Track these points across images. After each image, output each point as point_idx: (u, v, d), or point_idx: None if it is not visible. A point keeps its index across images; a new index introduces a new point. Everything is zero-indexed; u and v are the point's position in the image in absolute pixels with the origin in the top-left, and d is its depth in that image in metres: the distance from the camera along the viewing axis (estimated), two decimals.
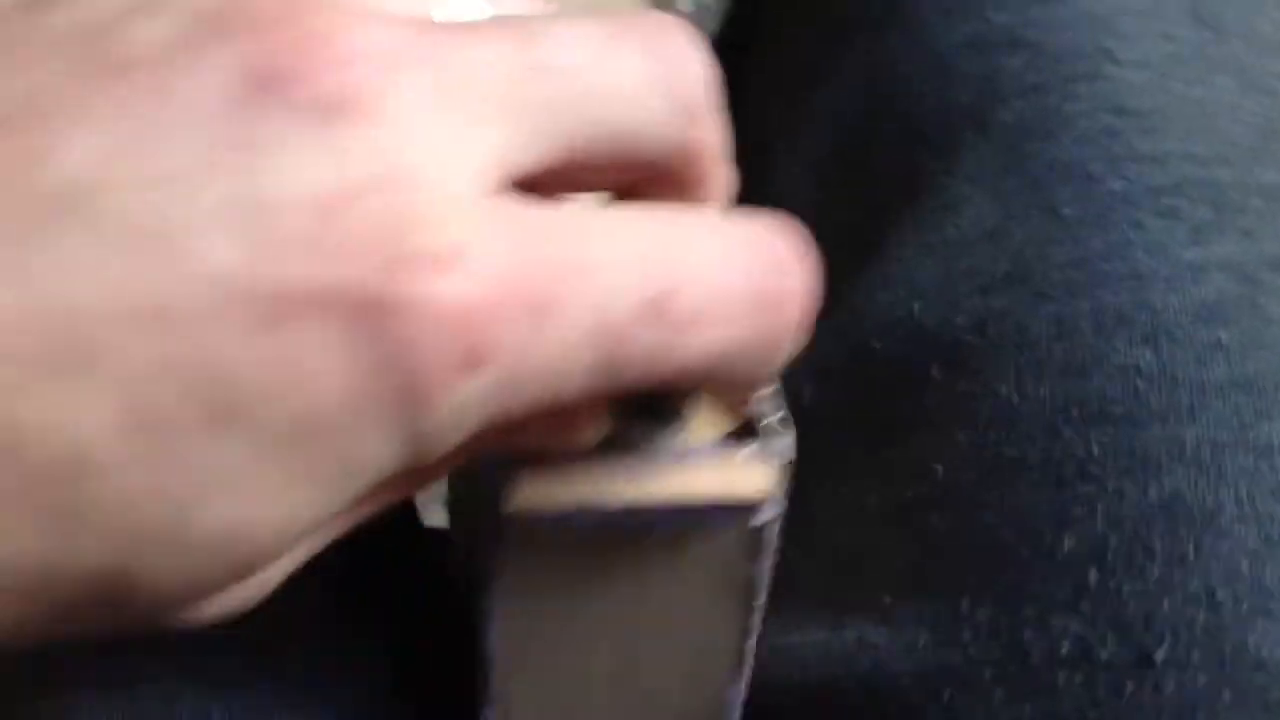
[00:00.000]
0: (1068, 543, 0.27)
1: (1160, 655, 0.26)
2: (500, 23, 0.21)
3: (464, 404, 0.19)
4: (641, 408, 0.25)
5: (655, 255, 0.21)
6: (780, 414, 0.26)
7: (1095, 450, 0.28)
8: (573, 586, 0.28)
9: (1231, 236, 0.29)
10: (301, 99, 0.18)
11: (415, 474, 0.22)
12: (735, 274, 0.21)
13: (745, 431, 0.26)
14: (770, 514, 0.26)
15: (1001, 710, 0.27)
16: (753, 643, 0.29)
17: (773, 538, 0.27)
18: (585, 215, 0.21)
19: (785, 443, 0.26)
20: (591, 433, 0.25)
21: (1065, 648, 0.27)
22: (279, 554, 0.20)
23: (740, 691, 0.30)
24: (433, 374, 0.19)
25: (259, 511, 0.19)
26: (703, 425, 0.26)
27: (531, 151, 0.20)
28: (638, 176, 0.23)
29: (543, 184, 0.21)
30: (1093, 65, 0.32)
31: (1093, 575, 0.27)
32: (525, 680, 0.29)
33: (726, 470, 0.25)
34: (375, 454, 0.19)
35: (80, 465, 0.18)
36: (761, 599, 0.28)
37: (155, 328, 0.18)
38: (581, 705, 0.30)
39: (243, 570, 0.20)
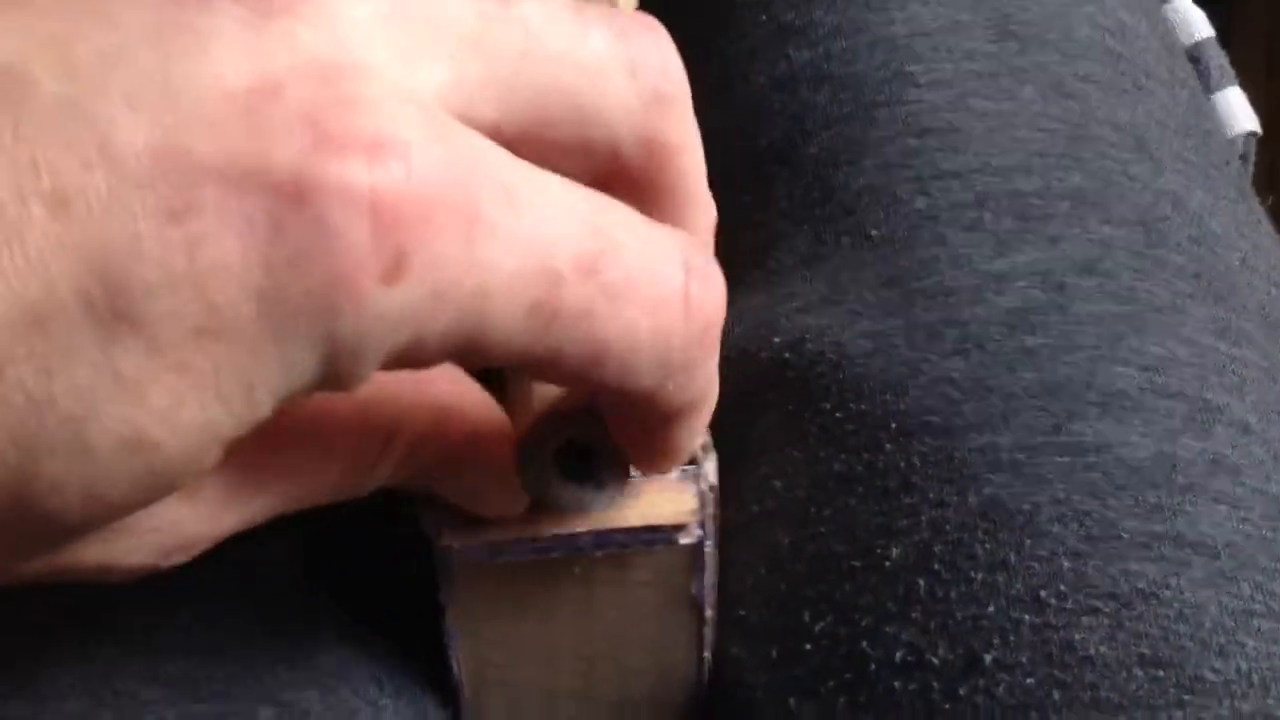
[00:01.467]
0: (895, 553, 0.28)
1: (989, 658, 0.27)
2: None
3: (385, 314, 0.18)
4: (570, 472, 0.26)
5: (594, 216, 0.20)
6: (702, 440, 0.28)
7: (916, 461, 0.29)
8: (524, 610, 0.29)
9: (1036, 244, 0.30)
10: None
11: (353, 473, 0.23)
12: (663, 258, 0.21)
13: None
14: (696, 535, 0.27)
15: (844, 718, 0.28)
16: (708, 654, 0.30)
17: (711, 554, 0.28)
18: (530, 165, 0.20)
19: (706, 468, 0.27)
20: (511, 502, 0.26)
21: (899, 655, 0.27)
22: (190, 470, 0.19)
23: (700, 701, 0.31)
24: (353, 273, 0.17)
25: (160, 420, 0.18)
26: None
27: (485, 100, 0.20)
28: (599, 166, 0.22)
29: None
30: (894, 91, 0.33)
31: (921, 584, 0.28)
32: (495, 699, 0.30)
33: (649, 496, 0.27)
34: (286, 364, 0.18)
35: None
36: (710, 612, 0.29)
37: (54, 212, 0.17)
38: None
39: (152, 484, 0.19)
